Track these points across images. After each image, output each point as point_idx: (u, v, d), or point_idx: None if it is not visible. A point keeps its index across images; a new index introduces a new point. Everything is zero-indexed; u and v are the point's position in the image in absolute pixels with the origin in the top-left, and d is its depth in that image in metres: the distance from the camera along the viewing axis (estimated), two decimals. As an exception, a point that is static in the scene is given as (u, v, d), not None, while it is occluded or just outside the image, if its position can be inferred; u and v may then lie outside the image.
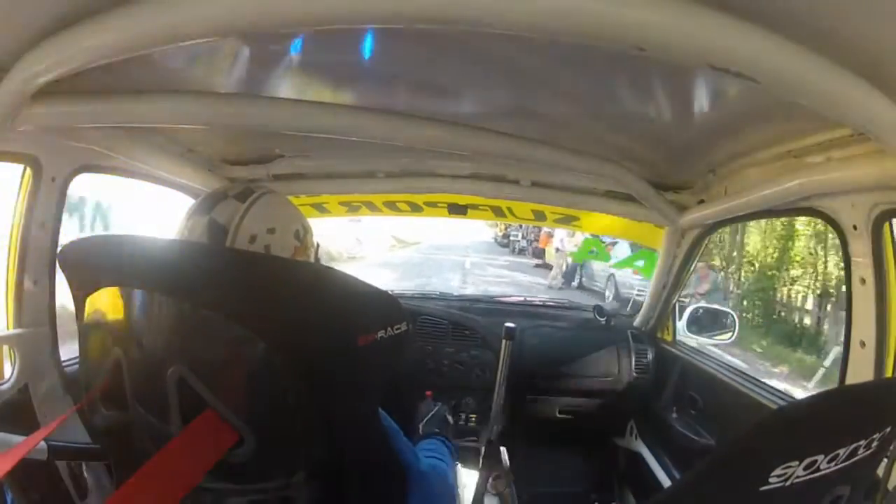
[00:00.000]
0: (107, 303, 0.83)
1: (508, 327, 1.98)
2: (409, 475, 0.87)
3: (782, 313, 9.13)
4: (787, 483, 0.65)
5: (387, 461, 0.83)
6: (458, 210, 2.23)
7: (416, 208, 2.26)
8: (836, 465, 0.67)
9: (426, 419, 1.37)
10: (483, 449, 1.98)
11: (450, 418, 1.30)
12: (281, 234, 0.87)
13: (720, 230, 1.99)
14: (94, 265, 0.85)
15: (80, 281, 0.86)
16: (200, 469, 0.68)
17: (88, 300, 0.85)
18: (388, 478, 0.83)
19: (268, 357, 0.70)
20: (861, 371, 1.17)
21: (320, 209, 2.28)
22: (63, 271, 0.91)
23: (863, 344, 1.17)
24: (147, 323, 0.80)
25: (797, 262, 9.23)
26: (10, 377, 1.25)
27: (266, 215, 0.86)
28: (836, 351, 5.69)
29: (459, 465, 1.97)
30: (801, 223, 8.65)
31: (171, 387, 0.72)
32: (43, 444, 1.20)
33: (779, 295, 9.38)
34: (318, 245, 0.96)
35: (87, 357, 0.90)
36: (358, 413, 0.76)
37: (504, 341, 1.97)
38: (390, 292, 0.79)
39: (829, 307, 8.38)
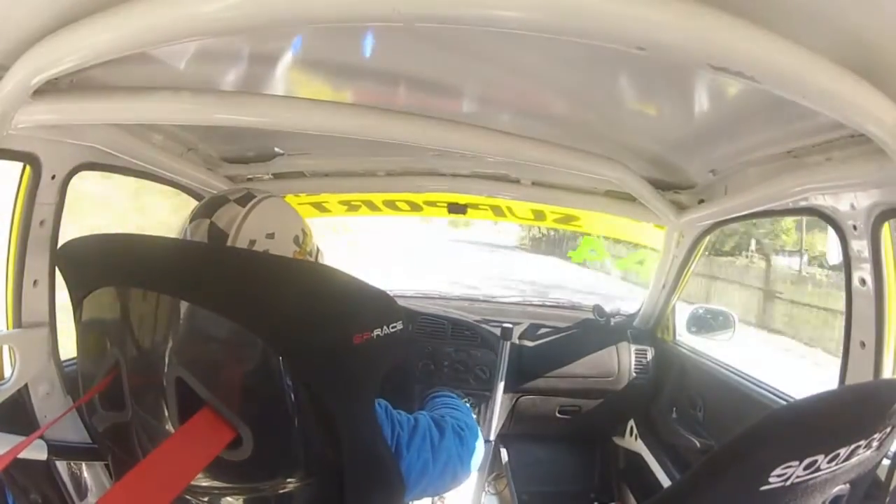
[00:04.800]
0: (105, 302, 0.83)
1: (505, 327, 1.98)
2: (406, 452, 0.87)
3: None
4: (788, 483, 0.65)
5: (383, 457, 0.83)
6: (457, 209, 2.23)
7: (416, 207, 2.26)
8: (836, 464, 0.67)
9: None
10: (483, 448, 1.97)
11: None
12: (280, 238, 0.87)
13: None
14: (92, 265, 0.85)
15: (78, 280, 0.86)
16: (197, 466, 0.68)
17: (86, 300, 0.84)
18: (384, 474, 0.83)
19: (265, 355, 0.70)
20: (861, 371, 1.17)
21: (320, 208, 2.27)
22: (60, 271, 0.91)
23: (862, 344, 1.17)
24: (145, 323, 0.80)
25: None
26: (10, 377, 1.25)
27: (266, 220, 0.87)
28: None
29: None
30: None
31: (169, 386, 0.72)
32: (42, 443, 1.20)
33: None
34: (318, 249, 0.97)
35: (85, 357, 0.90)
36: (355, 410, 0.76)
37: (501, 341, 1.97)
38: (388, 292, 0.79)
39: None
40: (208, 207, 0.87)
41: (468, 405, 1.20)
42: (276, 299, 0.71)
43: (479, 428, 1.07)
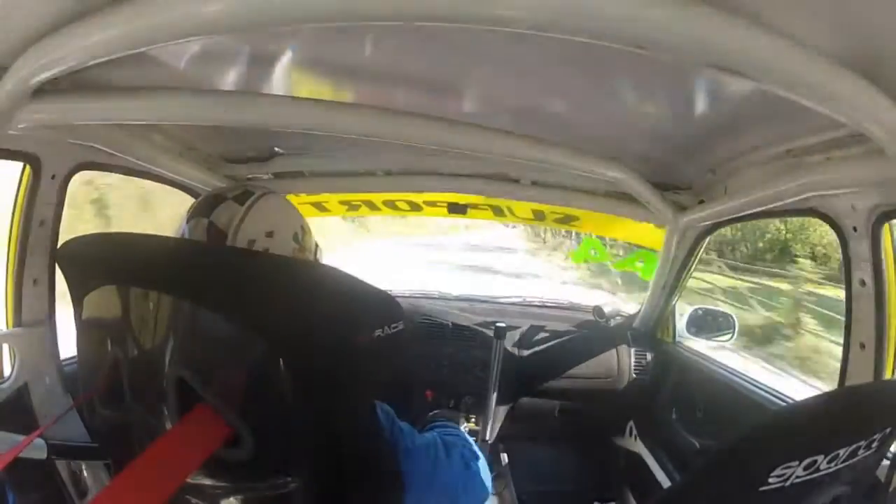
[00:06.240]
0: (104, 301, 0.83)
1: (499, 327, 1.97)
2: (406, 457, 0.87)
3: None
4: (787, 483, 0.65)
5: (384, 459, 0.83)
6: (457, 209, 2.24)
7: (415, 207, 2.27)
8: (836, 465, 0.67)
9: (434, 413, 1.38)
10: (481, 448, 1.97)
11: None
12: (279, 237, 0.87)
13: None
14: (92, 264, 0.85)
15: (79, 279, 0.86)
16: (192, 463, 0.67)
17: (86, 299, 0.84)
18: (386, 476, 0.83)
19: (266, 355, 0.70)
20: (861, 372, 1.17)
21: (320, 208, 2.28)
22: (61, 270, 0.91)
23: (862, 346, 1.17)
24: (145, 322, 0.80)
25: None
26: (10, 376, 1.25)
27: (264, 218, 0.86)
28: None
29: None
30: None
31: (170, 386, 0.72)
32: (42, 442, 1.20)
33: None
34: (317, 245, 0.96)
35: (85, 357, 0.90)
36: (356, 411, 0.76)
37: (495, 340, 1.97)
38: (388, 291, 0.79)
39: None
40: (206, 206, 0.86)
41: (467, 433, 1.19)
42: (276, 299, 0.71)
43: (485, 460, 1.06)
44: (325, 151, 1.87)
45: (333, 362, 0.71)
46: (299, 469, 0.75)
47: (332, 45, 1.03)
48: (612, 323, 2.35)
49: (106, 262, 0.82)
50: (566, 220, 2.25)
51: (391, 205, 2.27)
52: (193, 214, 0.86)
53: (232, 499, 0.80)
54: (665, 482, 1.90)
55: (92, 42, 0.78)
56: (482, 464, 1.02)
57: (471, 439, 1.13)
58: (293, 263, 0.85)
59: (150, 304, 0.78)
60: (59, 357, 1.34)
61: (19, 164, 1.20)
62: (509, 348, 2.15)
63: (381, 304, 0.76)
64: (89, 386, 0.86)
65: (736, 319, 2.18)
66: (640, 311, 2.34)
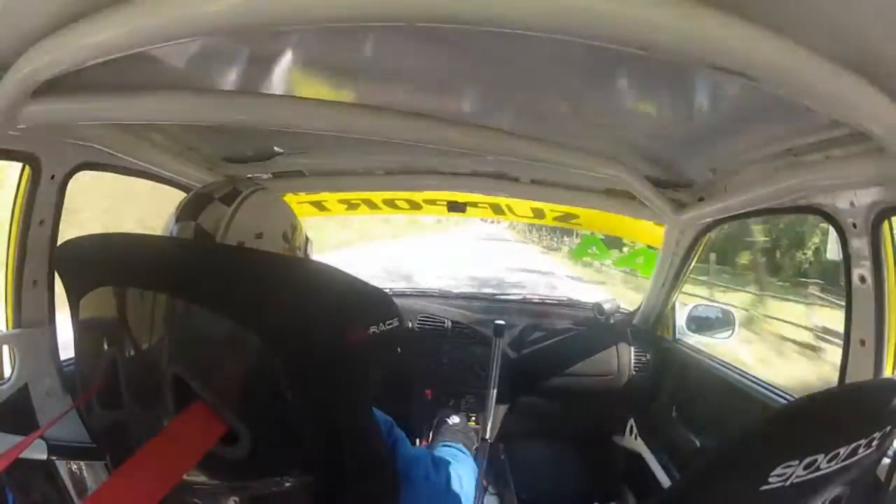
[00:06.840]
0: (102, 302, 0.83)
1: (498, 324, 1.97)
2: (404, 460, 0.89)
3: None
4: (787, 483, 0.65)
5: (382, 457, 0.83)
6: (457, 208, 2.24)
7: (415, 206, 2.27)
8: (836, 464, 0.67)
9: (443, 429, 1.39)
10: (480, 447, 1.99)
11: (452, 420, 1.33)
12: (269, 238, 0.86)
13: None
14: (89, 265, 0.85)
15: (76, 280, 0.86)
16: (189, 461, 0.67)
17: (83, 300, 0.84)
18: (383, 474, 0.83)
19: (260, 352, 0.70)
20: (861, 370, 1.17)
21: (319, 207, 2.28)
22: (58, 272, 0.91)
23: (862, 343, 1.17)
24: (142, 322, 0.80)
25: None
26: (10, 377, 1.25)
27: (253, 220, 0.86)
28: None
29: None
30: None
31: (167, 385, 0.72)
32: (42, 443, 1.20)
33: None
34: (308, 240, 0.96)
35: (83, 357, 0.90)
36: (353, 408, 0.76)
37: (494, 338, 1.97)
38: (387, 290, 0.79)
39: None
40: (193, 208, 0.85)
41: (472, 456, 1.19)
42: (271, 296, 0.71)
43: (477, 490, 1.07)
44: (324, 151, 1.87)
45: (328, 359, 0.71)
46: (296, 467, 0.75)
47: (332, 45, 1.03)
48: (612, 320, 2.35)
49: (102, 264, 0.82)
50: (566, 218, 2.26)
51: (391, 203, 2.27)
52: (181, 217, 0.86)
53: (229, 497, 0.80)
54: (665, 481, 1.91)
55: (92, 42, 0.77)
56: (468, 481, 1.04)
57: (469, 457, 1.13)
58: (287, 260, 0.85)
59: (147, 303, 0.78)
60: (59, 358, 1.34)
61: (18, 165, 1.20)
62: (508, 347, 2.16)
63: (376, 301, 0.76)
64: (88, 386, 0.86)
65: (736, 316, 2.19)
66: (639, 308, 2.34)
